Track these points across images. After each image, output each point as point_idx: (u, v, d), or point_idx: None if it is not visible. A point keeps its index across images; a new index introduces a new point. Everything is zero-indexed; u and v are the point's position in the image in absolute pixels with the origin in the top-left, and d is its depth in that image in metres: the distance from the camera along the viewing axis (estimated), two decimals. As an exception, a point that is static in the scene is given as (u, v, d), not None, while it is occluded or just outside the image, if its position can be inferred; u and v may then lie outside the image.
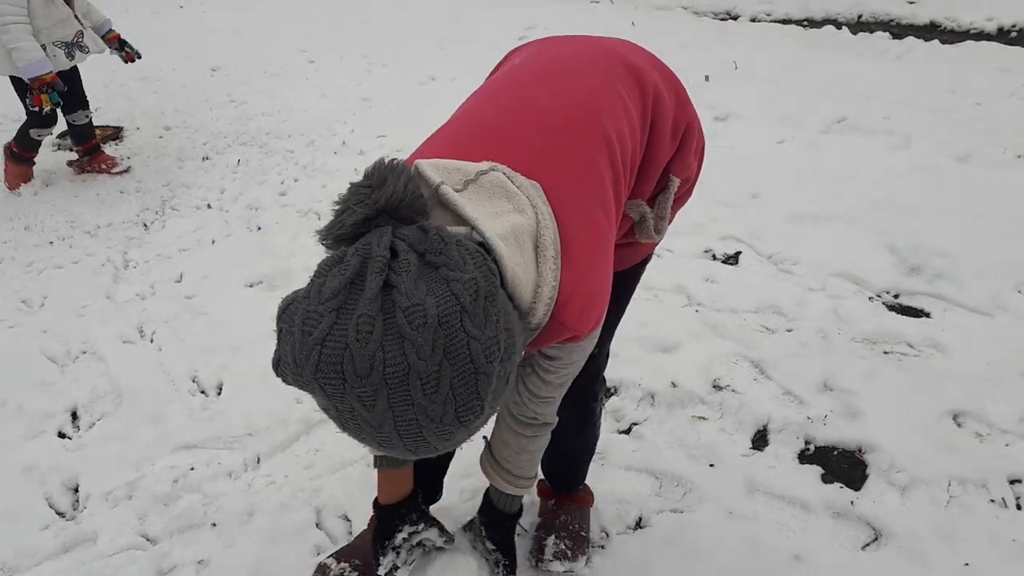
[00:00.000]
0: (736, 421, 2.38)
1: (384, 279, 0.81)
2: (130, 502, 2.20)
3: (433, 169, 1.02)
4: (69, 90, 3.70)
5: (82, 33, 3.62)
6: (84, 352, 2.79)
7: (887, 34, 5.91)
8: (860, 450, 2.25)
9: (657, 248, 3.19)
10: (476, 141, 1.13)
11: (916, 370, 2.53)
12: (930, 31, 6.02)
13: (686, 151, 1.39)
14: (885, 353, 2.61)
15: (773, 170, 3.78)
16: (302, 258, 3.29)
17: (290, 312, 0.85)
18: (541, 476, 1.97)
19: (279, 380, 0.89)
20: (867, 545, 1.99)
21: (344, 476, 2.22)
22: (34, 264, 3.35)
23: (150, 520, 2.15)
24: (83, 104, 3.96)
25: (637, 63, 1.30)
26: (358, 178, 0.96)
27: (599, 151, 1.14)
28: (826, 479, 2.18)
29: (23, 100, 3.65)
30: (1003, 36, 5.74)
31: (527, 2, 7.49)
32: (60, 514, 2.20)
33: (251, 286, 3.17)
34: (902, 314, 2.81)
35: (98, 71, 5.76)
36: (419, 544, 1.60)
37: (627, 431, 2.38)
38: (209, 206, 3.87)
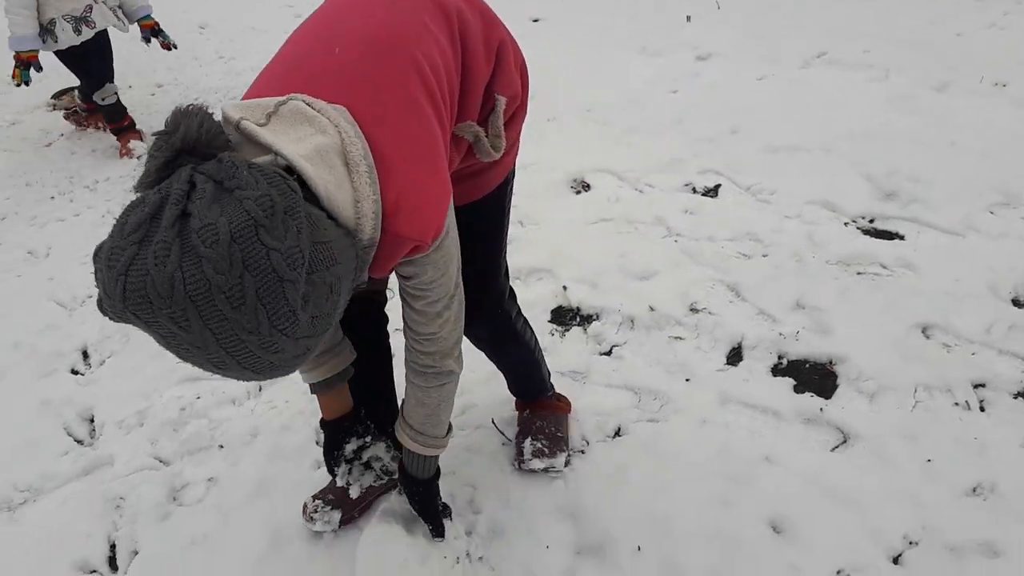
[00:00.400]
0: (712, 340, 2.49)
1: (181, 209, 0.85)
2: (142, 429, 2.34)
3: (234, 108, 1.05)
4: (95, 65, 3.70)
5: (91, 7, 3.50)
6: (90, 296, 2.91)
7: (872, -30, 5.89)
8: (831, 362, 2.37)
9: (639, 182, 3.31)
10: (290, 76, 1.16)
11: (887, 288, 2.63)
12: (916, -34, 5.99)
13: (505, 68, 1.41)
14: (858, 274, 2.72)
15: (753, 106, 3.85)
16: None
17: (99, 252, 0.88)
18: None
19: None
20: (836, 447, 2.12)
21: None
22: (37, 218, 3.46)
23: (161, 444, 2.29)
24: (109, 78, 3.83)
25: None
26: None
27: (408, 72, 1.15)
28: (798, 390, 2.30)
29: (74, 72, 3.70)
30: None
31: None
32: (78, 441, 2.34)
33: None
34: (876, 237, 2.90)
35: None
36: (368, 463, 1.70)
37: (608, 353, 2.49)
38: (203, 158, 3.96)
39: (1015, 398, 2.20)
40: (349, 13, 1.24)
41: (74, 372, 2.60)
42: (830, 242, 2.87)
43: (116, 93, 3.84)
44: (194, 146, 0.94)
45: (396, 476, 1.71)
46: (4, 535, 2.09)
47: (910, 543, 1.84)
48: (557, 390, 2.16)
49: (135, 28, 3.83)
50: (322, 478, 2.07)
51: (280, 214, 0.87)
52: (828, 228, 2.95)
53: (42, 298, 2.91)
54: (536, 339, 1.96)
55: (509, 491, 2.02)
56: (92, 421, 2.42)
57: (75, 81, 4.06)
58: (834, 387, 2.30)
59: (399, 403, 1.62)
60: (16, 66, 3.40)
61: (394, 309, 1.60)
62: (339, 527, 1.92)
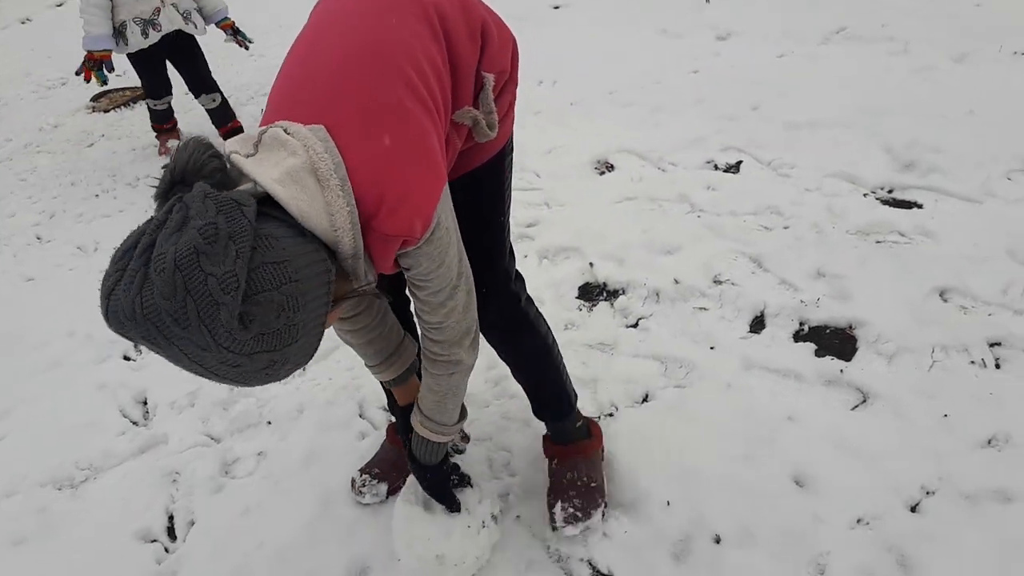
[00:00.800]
0: (735, 309, 2.58)
1: (153, 239, 0.94)
2: (193, 409, 2.48)
3: (231, 144, 1.13)
4: (188, 74, 3.83)
5: (159, 10, 3.54)
6: (138, 288, 3.06)
7: (891, -56, 5.90)
8: (851, 327, 2.45)
9: (662, 161, 3.39)
10: (280, 102, 1.23)
11: (906, 255, 2.69)
12: (935, -62, 5.98)
13: (490, 48, 1.44)
14: (877, 242, 2.78)
15: (773, 83, 3.91)
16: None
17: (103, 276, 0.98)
18: (543, 428, 2.03)
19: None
20: (856, 407, 2.19)
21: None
22: (84, 215, 3.63)
23: (212, 422, 2.42)
24: (206, 88, 3.94)
25: None
26: None
27: (388, 78, 1.20)
28: (819, 354, 2.38)
29: (140, 75, 3.79)
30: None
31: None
32: (133, 422, 2.49)
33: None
34: (895, 207, 2.96)
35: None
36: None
37: (634, 325, 2.59)
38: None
39: (1031, 355, 2.26)
40: (329, 31, 1.30)
41: (126, 359, 2.75)
42: (849, 213, 2.93)
43: (170, 103, 3.99)
44: (184, 176, 1.02)
45: (461, 450, 1.81)
46: (69, 510, 2.23)
47: (927, 492, 1.92)
48: (585, 363, 2.24)
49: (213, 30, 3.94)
50: (368, 448, 2.19)
51: (223, 240, 0.93)
52: (847, 200, 3.02)
53: (93, 289, 3.03)
54: (552, 336, 1.88)
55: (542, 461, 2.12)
56: (145, 403, 2.57)
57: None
58: (854, 350, 2.37)
59: None
60: (89, 66, 3.48)
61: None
62: (386, 497, 2.04)
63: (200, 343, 0.92)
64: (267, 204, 1.04)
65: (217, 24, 3.84)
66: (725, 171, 3.33)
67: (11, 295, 3.11)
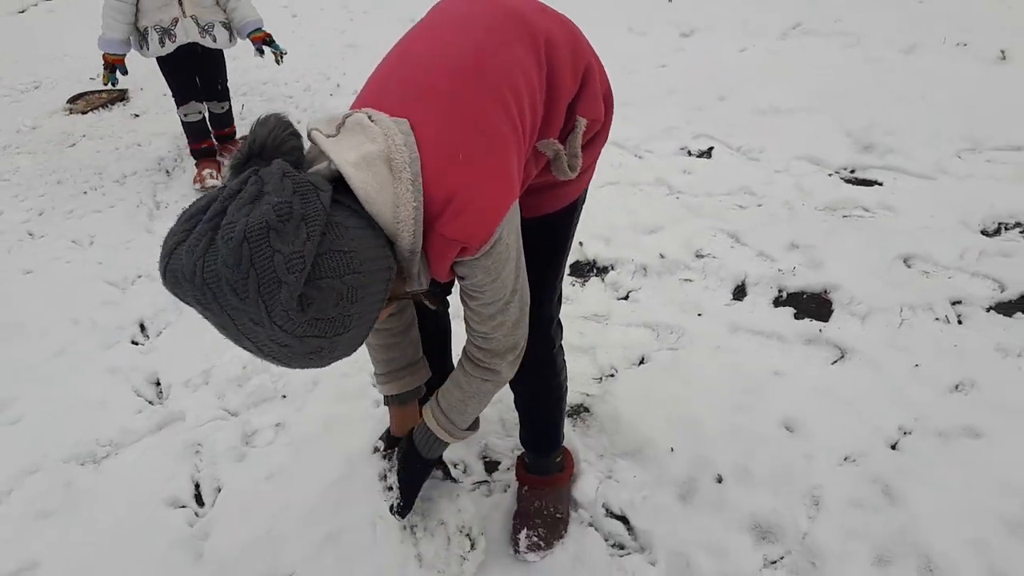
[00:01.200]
0: (718, 279, 2.76)
1: (224, 207, 0.95)
2: (208, 386, 2.57)
3: (314, 121, 1.16)
4: (204, 81, 3.75)
5: (177, 21, 3.46)
6: (139, 276, 3.13)
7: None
8: (825, 291, 2.65)
9: (638, 149, 3.58)
10: (377, 90, 1.26)
11: (870, 228, 2.92)
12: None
13: (589, 92, 1.45)
14: (843, 217, 3.00)
15: (738, 75, 4.14)
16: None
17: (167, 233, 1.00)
18: (520, 450, 2.06)
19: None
20: (835, 362, 2.39)
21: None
22: (74, 211, 3.67)
23: (228, 398, 2.51)
24: (218, 96, 3.88)
25: (527, 13, 1.37)
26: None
27: (479, 90, 1.21)
28: (798, 316, 2.57)
29: (166, 79, 3.72)
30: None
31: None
32: (148, 401, 2.56)
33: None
34: (857, 185, 3.19)
35: (90, 38, 5.99)
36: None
37: (625, 298, 2.76)
38: (221, 151, 4.16)
39: (987, 311, 2.49)
40: (434, 34, 1.32)
41: (134, 343, 2.82)
42: (816, 191, 3.15)
43: (202, 114, 3.85)
44: (262, 150, 1.04)
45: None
46: (95, 482, 2.30)
47: (904, 433, 2.12)
48: (582, 333, 2.38)
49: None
50: (383, 416, 2.31)
51: (295, 220, 0.94)
52: (814, 179, 3.24)
53: (94, 280, 3.12)
54: (567, 384, 1.91)
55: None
56: (158, 384, 2.64)
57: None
58: (830, 312, 2.57)
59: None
60: (104, 67, 3.48)
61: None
62: None
63: (254, 317, 0.94)
64: (340, 190, 1.06)
65: (248, 36, 3.65)
66: (698, 157, 3.53)
67: (9, 288, 3.14)
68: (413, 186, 1.09)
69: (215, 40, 3.59)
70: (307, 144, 1.14)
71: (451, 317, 1.93)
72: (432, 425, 1.59)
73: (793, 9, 4.85)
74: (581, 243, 3.00)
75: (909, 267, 2.72)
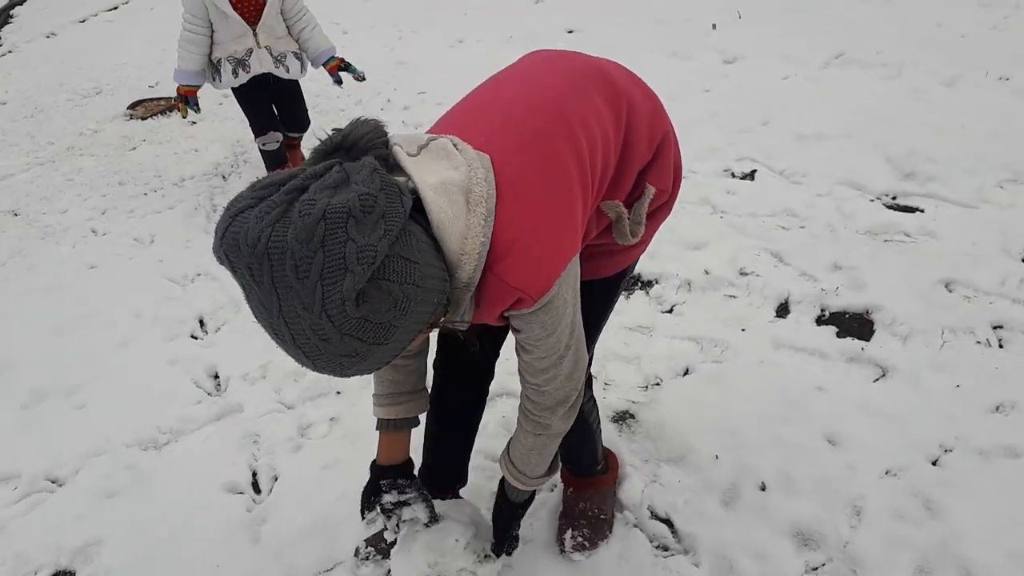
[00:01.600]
0: (761, 297, 2.83)
1: (304, 184, 0.93)
2: (265, 380, 2.67)
3: (397, 137, 1.15)
4: (284, 112, 3.76)
5: (251, 52, 3.47)
6: (199, 274, 3.26)
7: (879, -20, 6.29)
8: (867, 312, 2.70)
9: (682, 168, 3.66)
10: (463, 119, 1.30)
11: (912, 252, 2.97)
12: (920, -24, 6.39)
13: (662, 161, 1.45)
14: (885, 241, 3.06)
15: (780, 101, 4.21)
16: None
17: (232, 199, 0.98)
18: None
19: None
20: (876, 380, 2.44)
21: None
22: (135, 211, 3.83)
23: (284, 392, 2.62)
24: (297, 128, 3.89)
25: (613, 74, 1.40)
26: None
27: (561, 139, 1.23)
28: (840, 335, 2.62)
29: (243, 109, 3.73)
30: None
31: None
32: (208, 393, 2.67)
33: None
34: (899, 211, 3.24)
35: (155, 43, 6.22)
36: (403, 522, 1.73)
37: (669, 311, 2.83)
38: (276, 158, 4.31)
39: (1030, 337, 2.53)
40: (526, 77, 1.36)
41: (193, 337, 2.94)
42: (858, 215, 3.21)
43: (279, 143, 3.80)
44: (352, 146, 1.04)
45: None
46: (157, 467, 2.41)
47: (945, 450, 2.16)
48: (627, 343, 2.45)
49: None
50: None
51: (377, 215, 0.92)
52: (856, 204, 3.30)
53: (155, 276, 3.26)
54: (598, 418, 1.95)
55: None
56: (217, 377, 2.75)
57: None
58: (871, 332, 2.62)
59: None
60: (178, 99, 3.53)
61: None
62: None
63: (306, 301, 0.90)
64: (415, 208, 1.04)
65: (324, 65, 3.66)
66: (741, 178, 3.60)
67: (75, 281, 3.29)
68: (486, 222, 1.09)
69: (288, 71, 3.59)
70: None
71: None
72: (506, 475, 1.62)
73: (835, 40, 4.92)
74: (626, 257, 3.08)
75: (950, 291, 2.76)
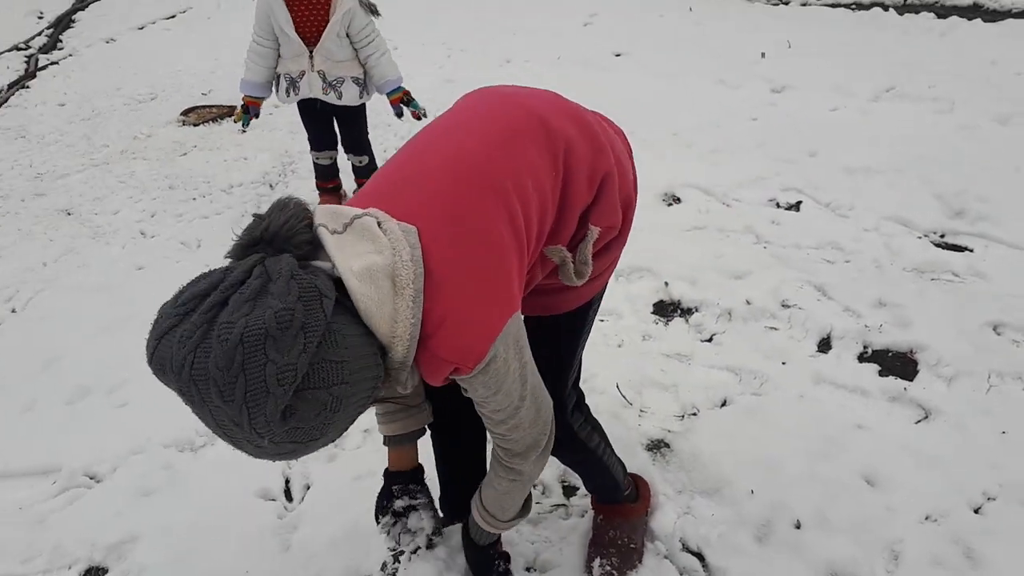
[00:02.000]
0: (803, 330, 2.79)
1: (225, 297, 0.93)
2: (302, 389, 2.69)
3: (322, 213, 1.13)
4: (344, 133, 3.74)
5: (303, 74, 3.44)
6: (245, 279, 3.31)
7: (932, 14, 6.24)
8: (912, 351, 2.65)
9: (726, 197, 3.64)
10: (386, 188, 1.25)
11: (960, 292, 2.91)
12: (973, 11, 6.35)
13: (605, 200, 1.42)
14: (932, 279, 3.01)
15: (828, 132, 4.18)
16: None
17: (160, 307, 0.99)
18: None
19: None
20: (919, 421, 2.39)
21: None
22: (184, 215, 3.91)
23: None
24: (357, 150, 3.84)
25: (549, 117, 1.35)
26: None
27: (490, 198, 1.20)
28: (882, 374, 2.58)
29: (304, 123, 3.73)
30: (1044, 15, 6.04)
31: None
32: (246, 398, 2.70)
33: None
34: (947, 249, 3.19)
35: (210, 52, 6.36)
36: (412, 528, 1.77)
37: (709, 340, 2.81)
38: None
39: (1082, 385, 2.46)
40: (452, 134, 1.31)
41: (237, 342, 2.98)
42: (905, 252, 3.16)
43: (333, 160, 3.84)
44: (273, 238, 1.03)
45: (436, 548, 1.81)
46: (192, 469, 2.44)
47: (988, 498, 2.11)
48: (664, 371, 2.41)
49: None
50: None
51: (295, 329, 0.92)
52: (903, 240, 3.25)
53: (200, 282, 3.31)
54: (605, 442, 1.88)
55: (634, 449, 2.31)
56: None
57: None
58: (915, 372, 2.58)
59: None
60: (241, 108, 3.57)
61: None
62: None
63: (234, 418, 0.92)
64: (341, 290, 1.04)
65: (388, 95, 3.60)
66: (786, 209, 3.57)
67: (124, 281, 3.36)
68: (414, 303, 1.09)
69: (340, 97, 3.50)
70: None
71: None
72: (475, 517, 1.63)
73: (886, 73, 4.88)
74: (667, 283, 3.06)
75: (999, 335, 2.71)
